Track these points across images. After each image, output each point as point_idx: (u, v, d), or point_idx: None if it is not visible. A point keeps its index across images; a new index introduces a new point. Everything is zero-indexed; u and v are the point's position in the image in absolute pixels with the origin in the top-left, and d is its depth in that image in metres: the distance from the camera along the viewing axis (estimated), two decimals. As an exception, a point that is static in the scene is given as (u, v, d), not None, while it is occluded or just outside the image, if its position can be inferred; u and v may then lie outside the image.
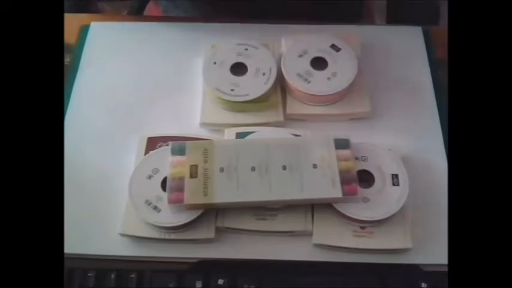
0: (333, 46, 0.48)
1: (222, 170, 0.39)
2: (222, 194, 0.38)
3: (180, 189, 0.38)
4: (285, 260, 0.40)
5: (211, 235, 0.40)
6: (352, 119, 0.47)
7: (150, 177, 0.40)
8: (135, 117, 0.47)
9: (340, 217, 0.40)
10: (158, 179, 0.40)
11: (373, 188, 0.40)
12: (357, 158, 0.41)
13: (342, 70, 0.46)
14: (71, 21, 0.53)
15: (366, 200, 0.39)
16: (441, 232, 0.39)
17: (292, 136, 0.43)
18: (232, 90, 0.45)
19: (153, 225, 0.39)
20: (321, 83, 0.46)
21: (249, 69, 0.47)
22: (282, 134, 0.44)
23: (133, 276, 0.38)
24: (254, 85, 0.46)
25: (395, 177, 0.40)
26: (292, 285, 0.38)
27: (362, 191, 0.39)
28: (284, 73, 0.46)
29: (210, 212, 0.40)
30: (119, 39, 0.53)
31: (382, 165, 0.41)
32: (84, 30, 0.53)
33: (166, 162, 0.40)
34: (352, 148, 0.41)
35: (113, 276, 0.38)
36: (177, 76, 0.50)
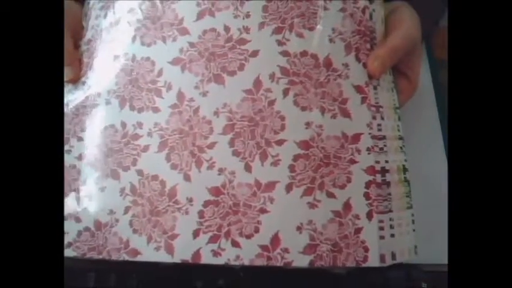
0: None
1: None
2: None
3: None
4: (285, 260, 0.40)
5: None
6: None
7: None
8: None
9: (340, 217, 0.39)
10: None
11: (373, 188, 0.40)
12: (357, 158, 0.41)
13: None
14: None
15: (366, 200, 0.39)
16: (441, 232, 0.39)
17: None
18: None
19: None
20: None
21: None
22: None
23: (133, 276, 0.38)
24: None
25: (395, 177, 0.40)
26: (292, 285, 0.38)
27: (362, 191, 0.39)
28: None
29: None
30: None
31: (382, 165, 0.41)
32: (84, 30, 0.53)
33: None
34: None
35: (113, 276, 0.38)
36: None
